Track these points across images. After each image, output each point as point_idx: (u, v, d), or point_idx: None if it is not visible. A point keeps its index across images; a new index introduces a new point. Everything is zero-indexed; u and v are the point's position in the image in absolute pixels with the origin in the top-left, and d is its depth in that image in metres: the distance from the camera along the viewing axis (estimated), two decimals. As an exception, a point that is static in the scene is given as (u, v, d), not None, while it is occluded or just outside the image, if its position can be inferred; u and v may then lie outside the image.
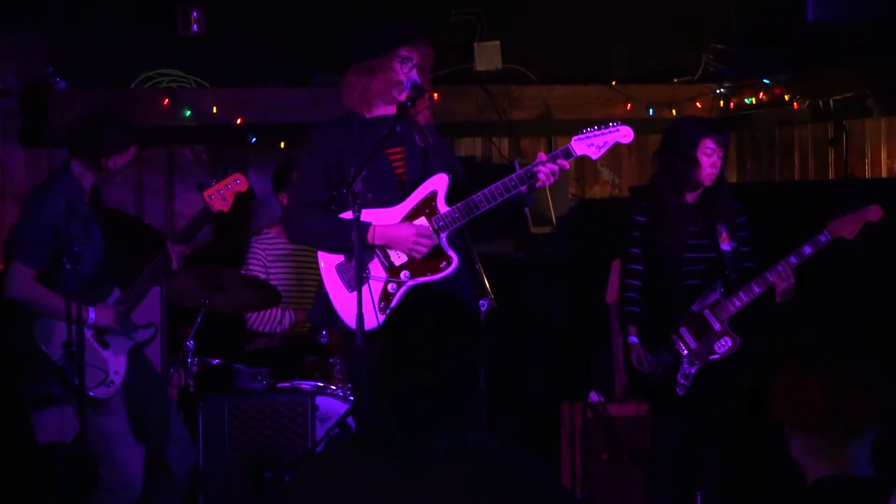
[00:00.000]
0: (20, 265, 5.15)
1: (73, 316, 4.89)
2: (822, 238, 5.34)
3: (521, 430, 7.10)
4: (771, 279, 5.39)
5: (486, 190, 4.82)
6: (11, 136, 6.97)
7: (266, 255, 6.68)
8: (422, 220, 4.88)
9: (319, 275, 6.60)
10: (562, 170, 4.81)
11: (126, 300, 5.34)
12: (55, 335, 5.09)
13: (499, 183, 4.82)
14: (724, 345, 5.47)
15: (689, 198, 5.56)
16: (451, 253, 4.88)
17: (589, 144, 4.90)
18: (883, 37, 6.79)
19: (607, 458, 6.12)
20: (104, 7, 7.10)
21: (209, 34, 7.19)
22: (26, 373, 5.32)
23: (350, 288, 4.86)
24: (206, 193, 5.46)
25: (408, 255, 4.86)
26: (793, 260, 5.35)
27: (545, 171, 4.78)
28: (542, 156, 4.83)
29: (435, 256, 4.87)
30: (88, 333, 5.22)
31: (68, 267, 4.85)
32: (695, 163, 5.47)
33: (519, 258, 7.32)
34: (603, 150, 4.91)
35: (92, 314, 5.21)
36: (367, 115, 4.98)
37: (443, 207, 4.88)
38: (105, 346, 5.26)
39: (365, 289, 4.58)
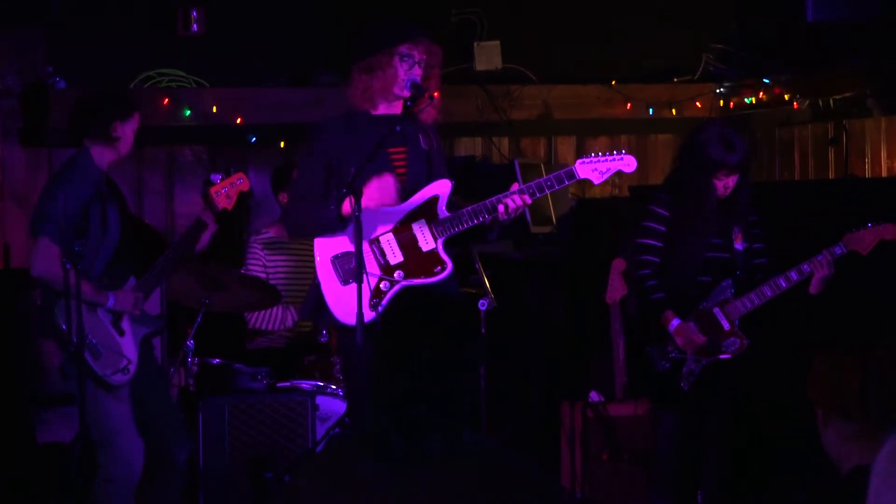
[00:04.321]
0: (47, 241, 5.09)
1: (73, 317, 4.88)
2: (838, 250, 5.36)
3: (521, 430, 7.10)
4: (784, 285, 5.40)
5: (469, 207, 4.89)
6: (11, 136, 6.96)
7: (265, 255, 6.68)
8: (422, 224, 4.89)
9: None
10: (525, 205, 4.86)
11: (145, 284, 5.34)
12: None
13: (479, 204, 4.88)
14: (732, 345, 5.48)
15: (729, 190, 5.55)
16: (446, 258, 4.90)
17: (593, 169, 4.98)
18: (883, 37, 6.78)
19: (607, 458, 6.12)
20: (104, 7, 7.09)
21: (209, 34, 7.19)
22: (34, 371, 5.30)
23: (343, 281, 4.87)
24: (212, 190, 5.48)
25: (402, 253, 4.89)
26: (805, 268, 5.36)
27: (510, 203, 4.81)
28: (515, 186, 4.89)
29: (430, 261, 4.88)
30: (106, 319, 5.23)
31: (68, 267, 4.84)
32: (709, 183, 5.48)
33: (519, 258, 7.32)
34: (605, 176, 5.00)
35: (111, 299, 5.21)
36: (372, 113, 4.98)
37: (443, 213, 4.91)
38: (121, 333, 5.26)
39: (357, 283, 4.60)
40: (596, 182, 5.00)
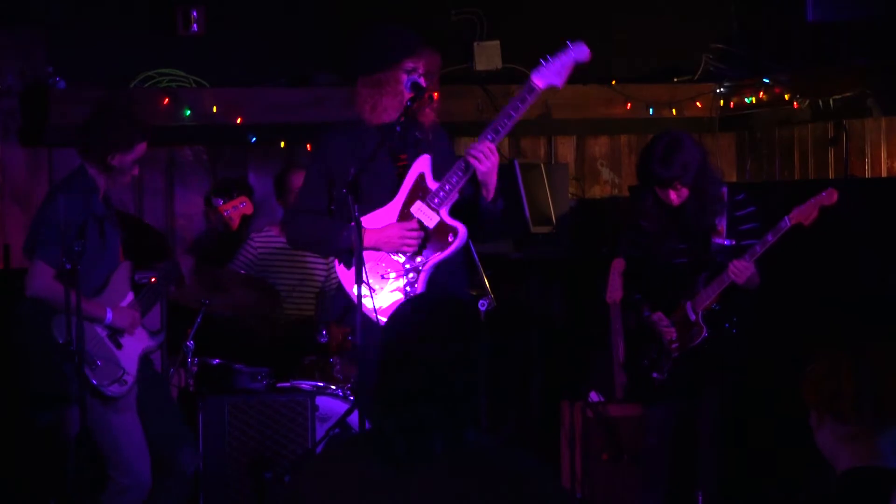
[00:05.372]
0: (41, 263, 5.11)
1: (74, 314, 4.88)
2: (783, 224, 5.42)
3: (521, 430, 7.10)
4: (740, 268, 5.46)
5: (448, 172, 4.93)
6: (11, 136, 6.97)
7: (259, 253, 6.67)
8: (418, 204, 4.91)
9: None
10: (497, 153, 4.85)
11: (142, 302, 5.35)
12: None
13: (454, 166, 4.90)
14: (696, 334, 5.55)
15: (676, 202, 5.56)
16: (456, 224, 4.93)
17: (548, 73, 4.89)
18: (883, 37, 6.79)
19: (607, 458, 6.13)
20: (104, 7, 7.10)
21: (209, 34, 7.19)
22: (35, 372, 5.28)
23: (372, 286, 4.92)
24: (221, 208, 5.52)
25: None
26: (758, 248, 5.42)
27: (478, 154, 4.81)
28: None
29: (441, 233, 4.92)
30: (103, 333, 5.22)
31: (68, 267, 4.84)
32: (650, 192, 5.53)
33: (519, 258, 7.32)
34: (565, 74, 4.88)
35: (109, 314, 5.21)
36: (376, 122, 5.01)
37: (433, 185, 4.94)
38: (119, 346, 5.26)
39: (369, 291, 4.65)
40: (560, 84, 4.90)
